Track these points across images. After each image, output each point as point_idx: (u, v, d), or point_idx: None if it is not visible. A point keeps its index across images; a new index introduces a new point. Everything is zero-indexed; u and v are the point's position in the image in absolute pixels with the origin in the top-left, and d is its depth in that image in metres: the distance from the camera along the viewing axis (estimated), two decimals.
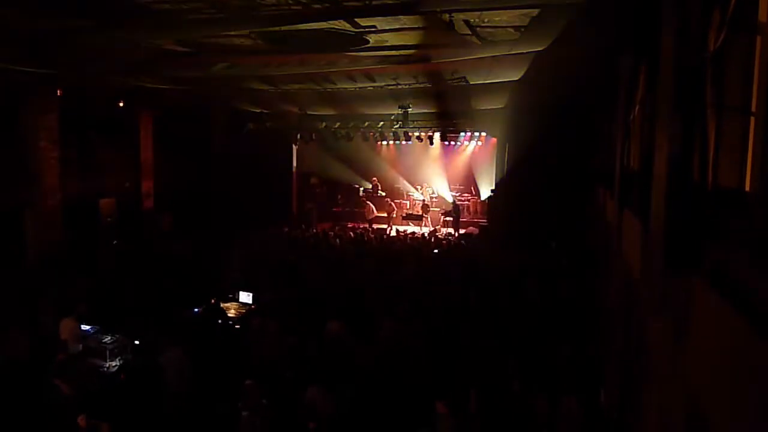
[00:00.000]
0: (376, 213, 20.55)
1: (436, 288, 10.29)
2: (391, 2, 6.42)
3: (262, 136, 18.92)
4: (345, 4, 6.41)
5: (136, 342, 7.78)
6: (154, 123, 16.49)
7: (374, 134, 18.75)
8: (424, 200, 21.57)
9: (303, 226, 19.01)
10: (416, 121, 18.02)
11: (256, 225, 16.60)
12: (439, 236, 17.15)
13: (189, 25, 7.35)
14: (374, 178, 22.58)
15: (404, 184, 23.03)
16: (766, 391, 1.72)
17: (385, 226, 19.93)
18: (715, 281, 2.53)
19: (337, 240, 15.26)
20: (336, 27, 7.59)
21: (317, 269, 11.50)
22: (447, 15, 6.78)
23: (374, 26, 7.54)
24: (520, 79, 11.73)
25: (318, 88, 14.00)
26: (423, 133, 18.69)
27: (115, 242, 14.16)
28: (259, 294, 9.73)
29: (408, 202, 22.28)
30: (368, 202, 20.82)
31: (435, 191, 22.35)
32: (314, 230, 18.63)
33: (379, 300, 9.41)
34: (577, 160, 11.89)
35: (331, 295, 9.58)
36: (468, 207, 21.23)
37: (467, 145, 21.23)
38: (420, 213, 20.78)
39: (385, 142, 22.11)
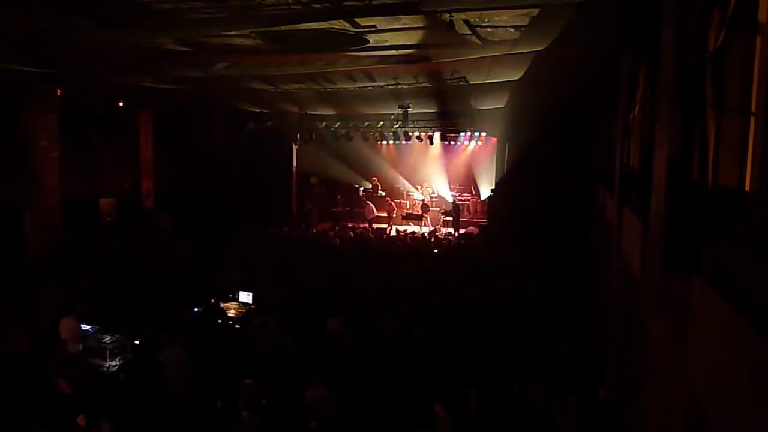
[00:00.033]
0: (376, 213, 20.55)
1: (436, 288, 10.29)
2: (391, 2, 6.42)
3: (262, 135, 18.91)
4: (345, 3, 6.41)
5: (136, 342, 7.78)
6: (154, 123, 16.50)
7: (374, 134, 18.74)
8: (423, 200, 21.57)
9: (303, 226, 19.02)
10: (416, 120, 18.03)
11: (256, 225, 16.59)
12: (439, 236, 17.15)
13: (189, 24, 7.35)
14: (374, 178, 22.58)
15: (404, 184, 23.03)
16: (766, 391, 1.72)
17: (385, 226, 19.93)
18: (715, 281, 2.53)
19: (337, 240, 15.26)
20: (336, 27, 7.59)
21: (317, 269, 11.50)
22: (447, 15, 6.78)
23: (374, 26, 7.54)
24: (520, 79, 11.74)
25: (318, 87, 14.00)
26: (423, 133, 18.70)
27: (115, 242, 14.15)
28: (259, 293, 9.74)
29: (408, 202, 22.28)
30: (368, 201, 20.82)
31: (435, 191, 22.36)
32: (314, 230, 18.64)
33: (379, 300, 9.41)
34: (577, 160, 11.88)
35: (331, 295, 9.57)
36: (468, 207, 21.23)
37: (467, 145, 21.24)
38: (420, 213, 20.78)
39: (385, 142, 22.11)
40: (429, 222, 20.47)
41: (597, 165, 10.62)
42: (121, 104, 14.60)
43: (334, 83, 13.28)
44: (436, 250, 14.46)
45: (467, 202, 21.39)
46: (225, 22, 7.32)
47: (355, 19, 7.17)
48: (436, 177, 22.47)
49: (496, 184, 17.68)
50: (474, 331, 8.07)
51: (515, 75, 11.46)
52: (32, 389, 6.26)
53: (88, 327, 8.06)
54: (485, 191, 20.50)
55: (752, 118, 2.60)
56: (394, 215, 20.72)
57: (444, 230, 19.30)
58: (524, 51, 8.80)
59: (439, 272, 11.64)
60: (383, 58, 9.98)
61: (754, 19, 2.52)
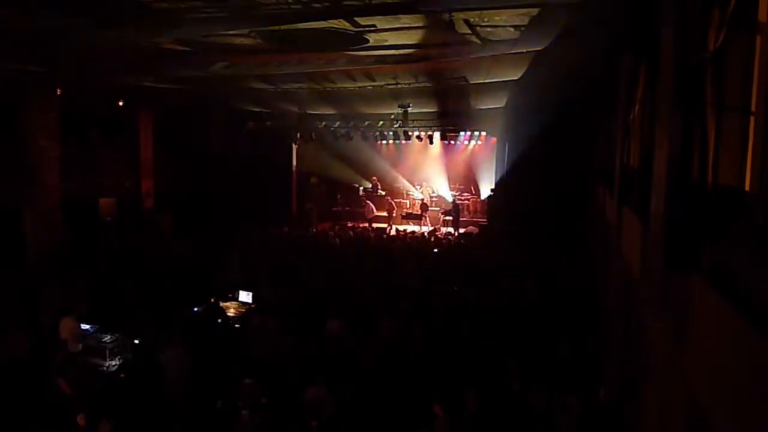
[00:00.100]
0: (375, 212, 20.55)
1: (436, 288, 10.29)
2: (390, 1, 6.42)
3: (262, 135, 18.91)
4: (345, 3, 6.40)
5: (136, 341, 7.78)
6: (154, 122, 16.50)
7: (374, 133, 18.74)
8: (422, 199, 21.57)
9: (305, 225, 19.03)
10: (416, 120, 18.03)
11: (256, 225, 16.59)
12: (439, 235, 17.15)
13: (188, 24, 7.34)
14: (374, 178, 22.58)
15: (404, 184, 23.03)
16: (766, 391, 1.72)
17: (385, 226, 19.93)
18: (715, 281, 2.53)
19: (337, 239, 15.26)
20: (336, 26, 7.58)
21: (317, 269, 11.50)
22: (447, 14, 6.77)
23: (374, 25, 7.54)
24: (520, 79, 11.73)
25: (318, 87, 14.00)
26: (423, 133, 18.70)
27: (115, 242, 14.15)
28: (259, 293, 9.74)
29: (408, 202, 22.28)
30: (368, 201, 20.82)
31: (435, 191, 22.36)
32: (314, 230, 18.63)
33: (379, 300, 9.41)
34: (577, 160, 11.88)
35: (331, 295, 9.57)
36: (468, 206, 21.24)
37: (467, 145, 21.24)
38: (420, 212, 20.78)
39: (384, 142, 22.11)
40: (429, 221, 20.48)
41: (597, 165, 10.62)
42: (121, 104, 14.61)
43: (334, 83, 13.27)
44: (435, 250, 14.46)
45: (467, 202, 21.39)
46: (224, 21, 7.32)
47: (355, 19, 7.17)
48: (436, 176, 22.48)
49: (496, 184, 17.68)
50: (474, 331, 8.07)
51: (515, 75, 11.45)
52: (32, 389, 6.26)
53: (88, 327, 8.06)
54: (485, 191, 20.50)
55: (752, 118, 2.60)
56: (394, 215, 20.72)
57: (444, 230, 19.30)
58: (524, 51, 8.79)
59: (438, 272, 11.63)
60: (383, 57, 9.97)
61: (754, 19, 2.52)
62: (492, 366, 6.95)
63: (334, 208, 22.50)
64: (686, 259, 2.99)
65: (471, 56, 9.51)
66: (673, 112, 3.21)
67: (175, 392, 6.44)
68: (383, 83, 13.24)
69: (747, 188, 2.62)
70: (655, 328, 3.74)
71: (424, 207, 20.83)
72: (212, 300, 9.07)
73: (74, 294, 9.20)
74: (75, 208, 12.99)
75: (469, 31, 7.63)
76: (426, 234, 17.19)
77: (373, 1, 6.32)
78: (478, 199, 21.36)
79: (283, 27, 7.65)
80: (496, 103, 16.24)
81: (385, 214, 20.64)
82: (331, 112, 18.46)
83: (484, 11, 6.66)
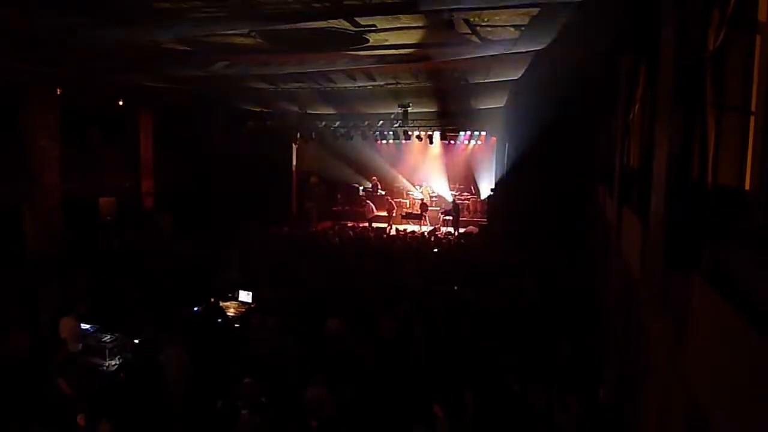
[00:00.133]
0: (375, 212, 20.56)
1: (436, 288, 10.28)
2: (390, 1, 6.41)
3: (262, 135, 18.90)
4: (345, 2, 6.40)
5: (136, 341, 7.78)
6: (154, 122, 16.49)
7: (374, 133, 18.75)
8: (422, 199, 21.57)
9: (305, 225, 19.04)
10: (416, 120, 18.02)
11: (256, 225, 16.59)
12: (439, 235, 17.15)
13: (188, 23, 7.34)
14: (374, 177, 22.57)
15: (404, 183, 23.03)
16: (766, 391, 1.72)
17: (384, 225, 19.93)
18: (714, 281, 2.53)
19: (337, 239, 15.26)
20: (336, 26, 7.58)
21: (317, 269, 11.50)
22: (447, 14, 6.77)
23: (374, 25, 7.53)
24: (519, 79, 11.73)
25: (318, 87, 14.00)
26: (423, 132, 18.69)
27: (115, 242, 14.15)
28: (259, 293, 9.73)
29: (408, 201, 22.28)
30: (368, 201, 20.83)
31: (435, 190, 22.36)
32: (314, 229, 18.63)
33: (379, 299, 9.41)
34: (577, 160, 11.87)
35: (331, 295, 9.57)
36: (468, 206, 21.23)
37: (467, 144, 21.24)
38: (419, 212, 20.79)
39: (384, 141, 22.10)
40: (428, 221, 20.48)
41: (597, 165, 10.62)
42: (121, 104, 14.60)
43: (334, 82, 13.27)
44: (435, 250, 14.46)
45: (467, 202, 21.38)
46: (225, 21, 7.31)
47: (355, 18, 7.17)
48: (436, 176, 22.47)
49: (496, 184, 17.68)
50: (474, 331, 8.06)
51: (515, 74, 11.45)
52: (32, 389, 6.26)
53: (88, 326, 8.06)
54: (485, 191, 20.49)
55: (752, 118, 2.60)
56: (394, 214, 20.72)
57: (444, 230, 19.30)
58: (524, 50, 8.79)
59: (438, 272, 11.63)
60: (383, 57, 9.97)
61: (754, 19, 2.52)
62: (492, 366, 6.95)
63: (334, 208, 22.50)
64: (686, 259, 2.98)
65: (471, 56, 9.51)
66: (673, 111, 3.21)
67: (175, 392, 6.44)
68: (383, 83, 13.25)
69: (747, 188, 2.62)
70: (655, 328, 3.74)
71: (424, 207, 20.82)
72: (212, 300, 9.07)
73: (74, 294, 9.20)
74: (75, 208, 13.00)
75: (469, 31, 7.63)
76: (426, 234, 17.19)
77: (373, 1, 6.32)
78: (478, 199, 21.35)
79: (283, 27, 7.65)
80: (496, 103, 16.24)
81: (385, 213, 20.63)
82: (332, 111, 18.46)
83: (484, 11, 6.66)
